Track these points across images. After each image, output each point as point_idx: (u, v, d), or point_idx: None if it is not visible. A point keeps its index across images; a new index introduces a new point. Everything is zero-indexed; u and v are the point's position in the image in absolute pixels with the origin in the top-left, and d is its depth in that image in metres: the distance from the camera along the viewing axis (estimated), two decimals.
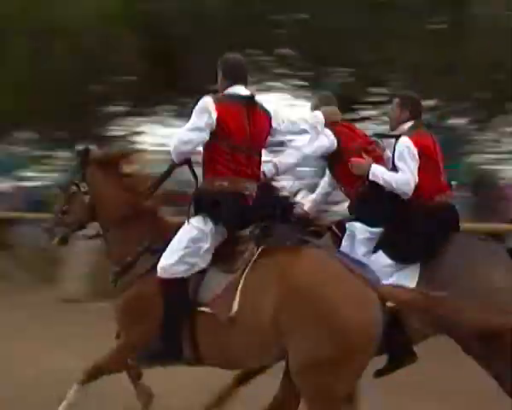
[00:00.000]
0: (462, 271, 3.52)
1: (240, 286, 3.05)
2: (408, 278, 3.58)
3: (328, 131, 3.84)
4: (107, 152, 4.24)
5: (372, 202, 3.78)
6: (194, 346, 3.22)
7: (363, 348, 2.86)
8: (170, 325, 3.19)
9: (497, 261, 3.56)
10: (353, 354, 2.84)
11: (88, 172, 3.73)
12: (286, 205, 3.35)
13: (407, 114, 3.92)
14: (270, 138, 3.42)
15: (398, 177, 3.75)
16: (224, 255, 3.22)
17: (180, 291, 3.19)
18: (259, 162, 3.35)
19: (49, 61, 9.20)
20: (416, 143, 3.78)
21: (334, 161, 3.95)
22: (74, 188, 3.76)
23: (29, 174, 11.86)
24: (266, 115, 3.35)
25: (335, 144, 3.88)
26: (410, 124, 3.91)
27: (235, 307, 3.03)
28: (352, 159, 3.85)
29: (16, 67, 9.67)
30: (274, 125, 3.38)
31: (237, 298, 3.03)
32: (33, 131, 11.01)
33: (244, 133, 3.22)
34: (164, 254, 3.26)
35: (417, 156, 3.75)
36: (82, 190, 3.73)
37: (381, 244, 3.70)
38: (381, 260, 3.65)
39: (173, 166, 3.39)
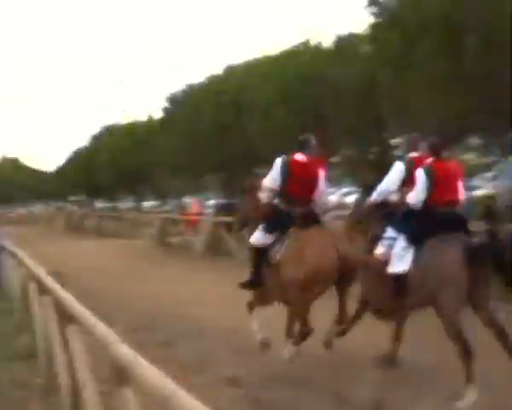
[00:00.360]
0: (431, 254, 6.44)
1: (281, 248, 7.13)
2: (408, 254, 6.62)
3: None
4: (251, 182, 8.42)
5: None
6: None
7: (323, 276, 6.74)
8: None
9: (450, 250, 6.32)
10: (317, 278, 6.68)
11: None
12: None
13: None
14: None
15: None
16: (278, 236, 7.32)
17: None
18: (314, 190, 7.43)
19: None
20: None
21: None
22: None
23: None
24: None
25: None
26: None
27: (278, 257, 7.11)
28: None
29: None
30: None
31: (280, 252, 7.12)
32: None
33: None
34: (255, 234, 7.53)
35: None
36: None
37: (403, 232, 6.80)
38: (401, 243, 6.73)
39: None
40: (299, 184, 7.30)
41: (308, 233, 7.08)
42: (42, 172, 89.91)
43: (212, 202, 42.12)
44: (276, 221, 7.30)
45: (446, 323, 6.16)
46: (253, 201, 7.85)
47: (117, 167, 44.28)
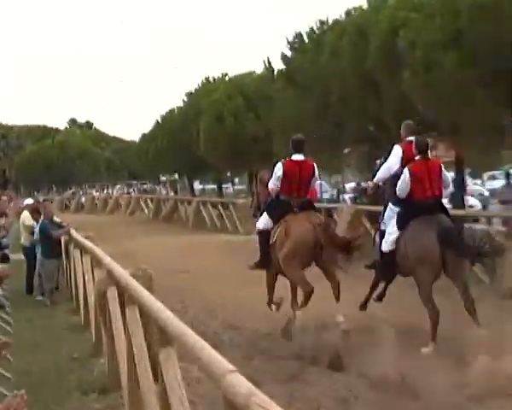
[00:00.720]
0: (412, 235, 10.91)
1: (275, 231, 11.78)
2: (394, 234, 11.20)
3: None
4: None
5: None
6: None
7: (303, 248, 11.31)
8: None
9: (426, 231, 10.70)
10: (298, 248, 11.35)
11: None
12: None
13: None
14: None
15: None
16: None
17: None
18: (307, 187, 12.05)
19: None
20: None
21: None
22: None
23: None
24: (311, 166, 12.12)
25: None
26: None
27: (274, 238, 11.77)
28: None
29: None
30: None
31: (274, 235, 11.80)
32: None
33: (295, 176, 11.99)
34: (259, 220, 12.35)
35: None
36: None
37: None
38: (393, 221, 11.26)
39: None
40: (293, 183, 11.95)
41: (295, 217, 11.75)
42: (122, 141, 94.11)
43: (350, 184, 42.01)
44: (278, 208, 12.00)
45: (421, 292, 10.85)
46: (264, 191, 12.80)
47: (222, 136, 45.08)
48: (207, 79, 55.26)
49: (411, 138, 11.61)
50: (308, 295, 11.25)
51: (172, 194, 62.47)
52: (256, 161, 44.06)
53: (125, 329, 7.97)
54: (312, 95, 31.08)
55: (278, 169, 12.02)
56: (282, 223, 11.77)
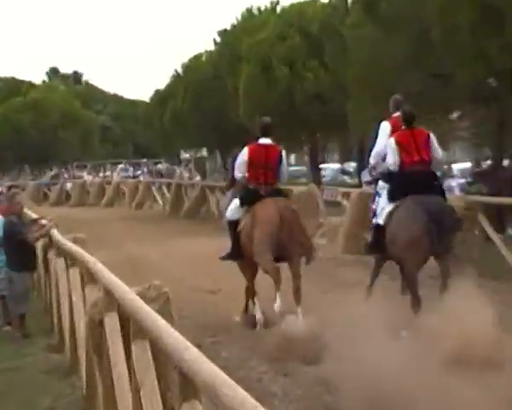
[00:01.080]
0: (401, 215, 15.04)
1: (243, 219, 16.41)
2: (386, 210, 15.41)
3: None
4: None
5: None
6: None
7: (268, 230, 15.48)
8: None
9: (414, 215, 14.73)
10: (265, 230, 15.55)
11: None
12: None
13: None
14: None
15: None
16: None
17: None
18: (275, 174, 16.52)
19: None
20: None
21: None
22: None
23: None
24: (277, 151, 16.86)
25: None
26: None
27: (241, 226, 16.35)
28: None
29: None
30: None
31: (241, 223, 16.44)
32: None
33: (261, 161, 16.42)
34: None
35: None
36: None
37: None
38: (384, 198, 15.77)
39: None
40: (260, 168, 16.03)
41: (262, 203, 15.72)
42: (125, 101, 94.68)
43: (461, 165, 41.96)
44: (247, 197, 16.08)
45: (406, 276, 15.19)
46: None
47: (271, 93, 45.05)
48: (250, 10, 55.46)
49: (399, 113, 15.81)
50: (276, 278, 15.25)
51: (199, 178, 62.34)
52: (321, 129, 44.06)
53: (130, 373, 8.01)
54: (403, 32, 30.94)
55: (243, 154, 16.14)
56: (250, 211, 15.90)
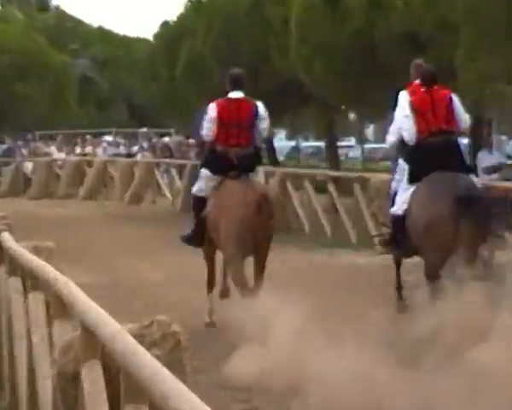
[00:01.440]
0: (422, 202, 19.05)
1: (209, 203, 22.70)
2: (407, 194, 19.69)
3: None
4: None
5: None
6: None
7: (243, 214, 20.61)
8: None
9: (438, 201, 18.68)
10: (234, 229, 21.08)
11: None
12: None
13: None
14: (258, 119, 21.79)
15: None
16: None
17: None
18: (248, 133, 21.14)
19: None
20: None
21: None
22: None
23: None
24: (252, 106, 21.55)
25: None
26: None
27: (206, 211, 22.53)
28: None
29: None
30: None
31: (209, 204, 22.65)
32: None
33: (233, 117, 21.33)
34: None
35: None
36: None
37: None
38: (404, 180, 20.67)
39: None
40: (231, 127, 19.29)
41: (230, 189, 19.54)
42: (115, 38, 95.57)
43: None
44: (214, 164, 19.69)
45: (426, 271, 18.53)
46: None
47: (337, 38, 45.44)
48: None
49: (417, 82, 19.33)
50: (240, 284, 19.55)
51: None
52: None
53: None
54: None
55: (211, 109, 18.98)
56: (217, 195, 19.47)
